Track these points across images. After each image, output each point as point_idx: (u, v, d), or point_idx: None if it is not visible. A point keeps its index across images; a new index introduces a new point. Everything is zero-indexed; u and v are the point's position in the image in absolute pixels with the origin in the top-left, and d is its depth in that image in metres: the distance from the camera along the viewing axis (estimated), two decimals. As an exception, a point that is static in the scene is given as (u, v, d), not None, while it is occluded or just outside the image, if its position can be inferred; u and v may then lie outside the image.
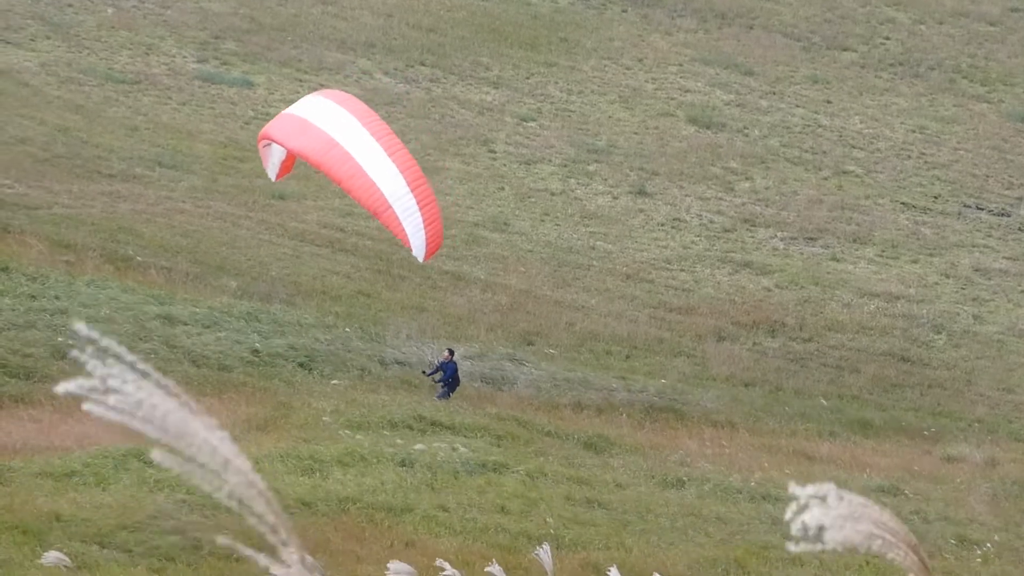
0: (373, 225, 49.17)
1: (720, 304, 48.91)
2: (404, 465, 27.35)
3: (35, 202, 44.51)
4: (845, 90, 72.41)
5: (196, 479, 3.45)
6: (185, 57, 64.45)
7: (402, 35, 70.27)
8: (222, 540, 3.72)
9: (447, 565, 12.09)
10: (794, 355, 45.65)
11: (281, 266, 44.43)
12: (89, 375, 3.36)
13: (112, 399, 3.37)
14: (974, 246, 58.12)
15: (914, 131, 69.10)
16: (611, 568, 13.98)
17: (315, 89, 61.98)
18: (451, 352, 35.32)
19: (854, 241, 56.98)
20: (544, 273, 49.22)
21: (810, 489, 3.57)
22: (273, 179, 30.71)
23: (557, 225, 54.50)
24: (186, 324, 35.49)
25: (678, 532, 25.97)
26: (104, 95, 58.78)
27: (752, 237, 56.18)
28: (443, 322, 41.98)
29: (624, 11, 77.41)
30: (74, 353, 3.33)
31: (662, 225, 56.08)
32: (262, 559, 3.59)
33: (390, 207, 27.55)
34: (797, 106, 70.01)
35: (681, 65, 72.63)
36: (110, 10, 67.27)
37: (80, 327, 3.43)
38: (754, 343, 46.07)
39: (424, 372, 35.58)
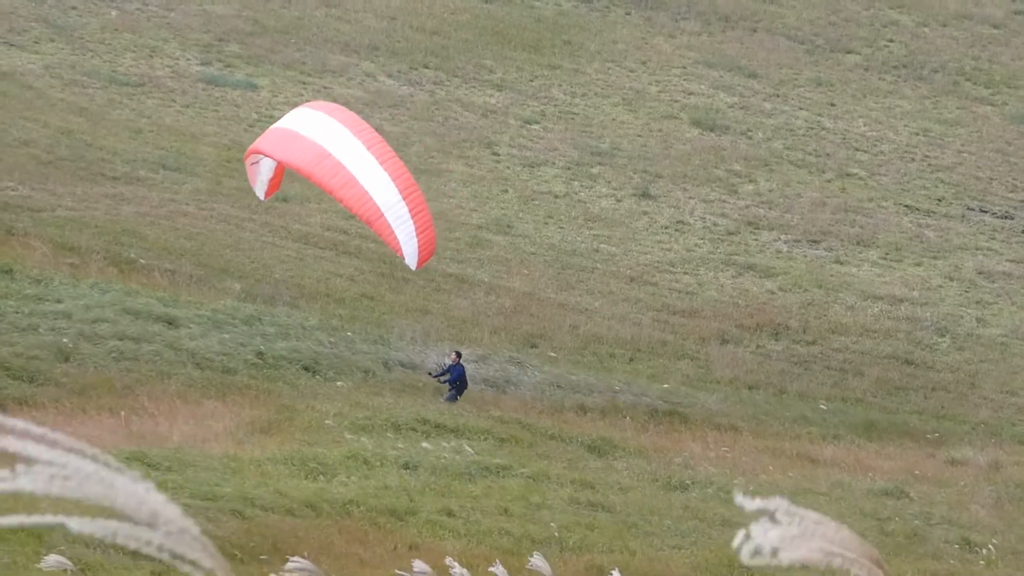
0: (377, 228, 49.24)
1: (724, 307, 48.90)
2: (408, 468, 27.35)
3: (39, 204, 44.52)
4: (849, 93, 72.39)
5: (120, 539, 3.39)
6: (189, 60, 64.47)
7: (406, 38, 70.28)
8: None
9: (455, 564, 12.08)
10: (798, 358, 45.63)
11: (285, 269, 44.43)
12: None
13: (25, 477, 3.30)
14: (978, 249, 58.10)
15: (918, 134, 69.08)
16: (614, 571, 13.97)
17: (319, 92, 62.09)
18: (458, 354, 35.31)
19: (858, 244, 56.97)
20: (548, 276, 49.22)
21: (758, 503, 3.52)
22: (262, 197, 30.61)
23: (561, 228, 54.50)
24: (190, 327, 35.49)
25: (682, 535, 25.96)
26: (108, 97, 58.81)
27: (756, 240, 56.17)
28: (447, 325, 41.98)
29: (628, 14, 77.41)
30: None
31: (666, 228, 56.07)
32: None
33: (382, 215, 27.56)
34: (801, 109, 69.99)
35: (685, 68, 72.63)
36: (114, 13, 67.30)
37: None
38: (758, 346, 46.06)
39: (430, 374, 35.56)
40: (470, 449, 29.41)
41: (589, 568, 22.85)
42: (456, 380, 34.68)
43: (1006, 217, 61.61)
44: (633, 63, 72.31)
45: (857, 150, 66.52)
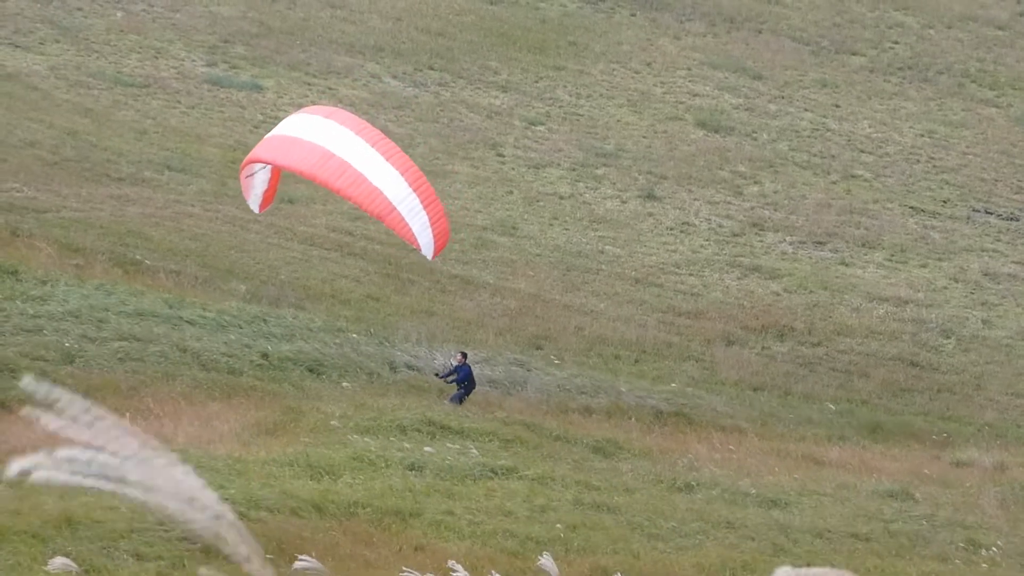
0: (382, 229, 49.16)
1: (729, 308, 48.90)
2: (413, 469, 27.34)
3: (44, 206, 44.54)
4: (854, 94, 72.37)
5: (170, 511, 3.41)
6: (194, 61, 64.50)
7: (411, 39, 70.30)
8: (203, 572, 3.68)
9: (459, 567, 12.09)
10: (803, 359, 45.63)
11: (290, 270, 44.45)
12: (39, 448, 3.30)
13: (66, 465, 3.30)
14: (983, 250, 58.07)
15: (923, 135, 69.06)
16: (618, 573, 13.99)
17: (324, 93, 62.15)
18: (464, 355, 35.29)
19: (863, 245, 56.95)
20: (553, 277, 49.22)
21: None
22: (256, 211, 30.56)
23: (566, 229, 54.50)
24: (195, 328, 35.50)
25: (687, 537, 25.94)
26: (113, 99, 58.85)
27: (761, 241, 56.17)
28: (452, 326, 41.99)
29: (633, 15, 77.42)
30: (25, 410, 3.28)
31: (671, 229, 56.07)
32: None
33: (395, 209, 27.55)
34: (806, 110, 69.98)
35: (690, 69, 72.62)
36: (119, 14, 67.34)
37: (27, 381, 3.38)
38: (763, 347, 46.06)
39: (436, 374, 35.54)
40: (475, 451, 29.42)
41: (594, 570, 22.84)
42: (463, 380, 34.67)
43: (1011, 218, 61.58)
44: (638, 64, 72.31)
45: (862, 152, 66.50)
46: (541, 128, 64.07)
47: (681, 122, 66.85)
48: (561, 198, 57.56)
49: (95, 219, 44.35)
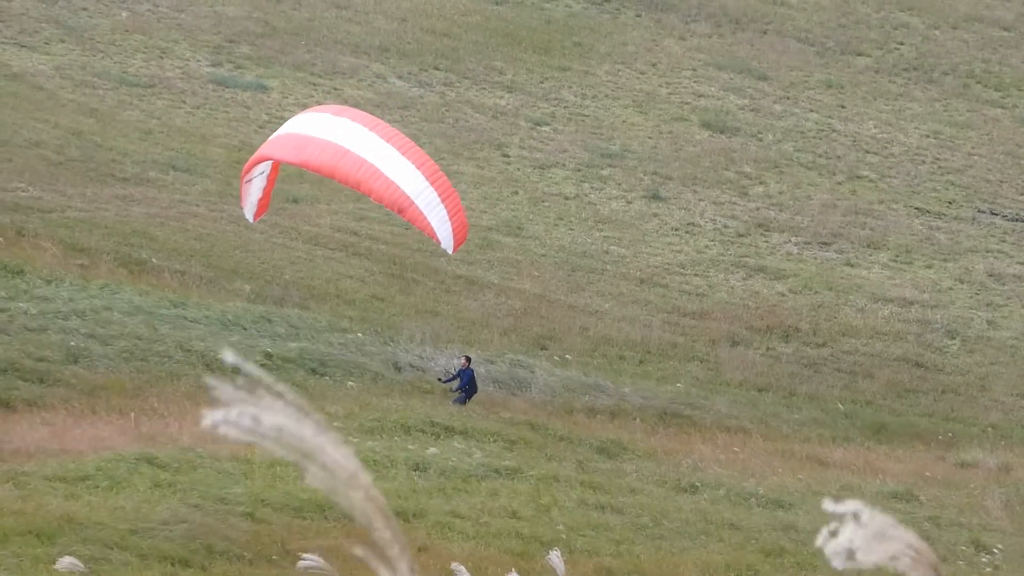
0: (387, 229, 49.23)
1: (734, 309, 48.88)
2: (417, 470, 27.36)
3: (49, 205, 44.58)
4: (859, 95, 72.34)
5: (336, 496, 3.46)
6: (199, 61, 64.53)
7: (416, 39, 70.31)
8: (359, 551, 3.71)
9: (462, 569, 12.08)
10: (808, 360, 45.61)
11: (295, 270, 44.47)
12: (230, 402, 3.35)
13: (247, 421, 3.36)
14: (988, 251, 58.03)
15: (928, 136, 69.01)
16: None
17: (329, 93, 62.15)
18: (468, 359, 35.27)
19: (868, 246, 56.92)
20: (558, 277, 49.22)
21: (846, 505, 3.59)
22: (251, 219, 30.46)
23: (571, 229, 54.49)
24: (199, 327, 35.52)
25: (691, 538, 25.95)
26: (118, 99, 58.88)
27: (766, 242, 56.15)
28: (457, 326, 41.99)
29: (638, 16, 77.40)
30: (213, 383, 3.32)
31: (676, 230, 56.05)
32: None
33: (413, 203, 27.52)
34: (811, 111, 69.95)
35: (695, 70, 72.60)
36: (124, 14, 67.36)
37: (227, 356, 3.43)
38: (768, 348, 46.05)
39: (440, 379, 35.51)
40: (479, 451, 29.43)
41: (598, 570, 22.86)
42: (466, 385, 34.64)
43: (1017, 219, 61.53)
44: (643, 65, 72.30)
45: (867, 152, 66.46)
46: (546, 128, 64.06)
47: (686, 123, 66.83)
48: (566, 198, 57.56)
49: (100, 219, 44.37)
